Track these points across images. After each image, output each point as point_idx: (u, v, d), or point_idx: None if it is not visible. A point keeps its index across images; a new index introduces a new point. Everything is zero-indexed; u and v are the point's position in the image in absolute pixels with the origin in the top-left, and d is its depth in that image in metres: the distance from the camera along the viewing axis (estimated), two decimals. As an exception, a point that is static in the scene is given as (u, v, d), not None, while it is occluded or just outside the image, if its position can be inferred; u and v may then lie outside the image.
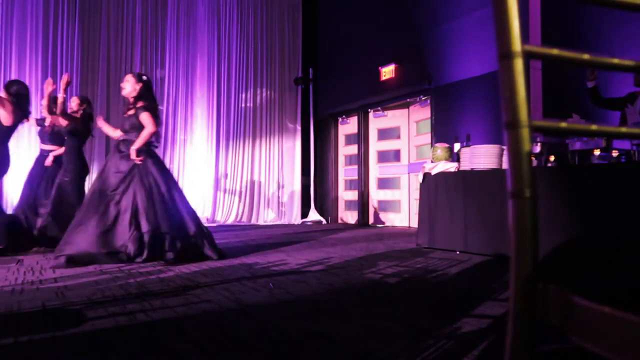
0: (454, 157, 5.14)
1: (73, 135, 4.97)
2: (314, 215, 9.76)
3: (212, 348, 1.80)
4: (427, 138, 7.83)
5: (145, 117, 4.10)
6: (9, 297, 2.63)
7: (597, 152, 3.92)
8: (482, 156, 4.52)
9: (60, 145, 5.19)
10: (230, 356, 1.73)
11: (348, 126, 9.70)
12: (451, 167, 4.94)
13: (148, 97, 4.24)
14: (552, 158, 4.12)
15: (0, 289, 2.86)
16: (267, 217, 9.64)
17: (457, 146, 5.19)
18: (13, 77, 7.60)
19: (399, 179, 9.40)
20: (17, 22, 7.65)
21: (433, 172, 5.01)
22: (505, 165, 0.57)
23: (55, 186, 4.90)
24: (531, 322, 0.56)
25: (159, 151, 9.67)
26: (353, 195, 9.50)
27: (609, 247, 0.59)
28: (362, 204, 9.18)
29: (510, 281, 0.57)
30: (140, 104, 4.19)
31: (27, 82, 7.62)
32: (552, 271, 0.56)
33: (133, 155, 4.00)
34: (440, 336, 1.97)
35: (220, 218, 9.22)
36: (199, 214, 8.98)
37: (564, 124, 0.58)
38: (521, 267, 0.55)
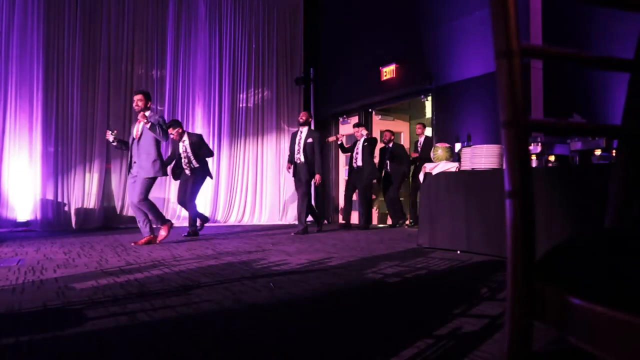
0: (455, 157, 5.14)
1: None
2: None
3: (213, 348, 1.80)
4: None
5: None
6: (10, 297, 2.63)
7: (597, 152, 3.92)
8: (483, 156, 4.52)
9: None
10: (230, 356, 1.73)
11: (349, 126, 9.69)
12: (452, 167, 4.94)
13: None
14: (552, 158, 4.12)
15: (1, 288, 2.86)
16: (267, 217, 9.63)
17: (457, 146, 5.19)
18: (14, 76, 7.62)
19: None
20: (18, 22, 7.66)
21: (434, 172, 5.01)
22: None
23: None
24: (529, 322, 0.55)
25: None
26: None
27: (606, 247, 0.59)
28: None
29: (508, 281, 0.57)
30: None
31: (28, 83, 7.68)
32: (549, 271, 0.56)
33: None
34: (440, 336, 1.97)
35: (220, 218, 9.21)
36: (200, 213, 9.01)
37: (563, 123, 0.58)
38: (518, 268, 0.55)
